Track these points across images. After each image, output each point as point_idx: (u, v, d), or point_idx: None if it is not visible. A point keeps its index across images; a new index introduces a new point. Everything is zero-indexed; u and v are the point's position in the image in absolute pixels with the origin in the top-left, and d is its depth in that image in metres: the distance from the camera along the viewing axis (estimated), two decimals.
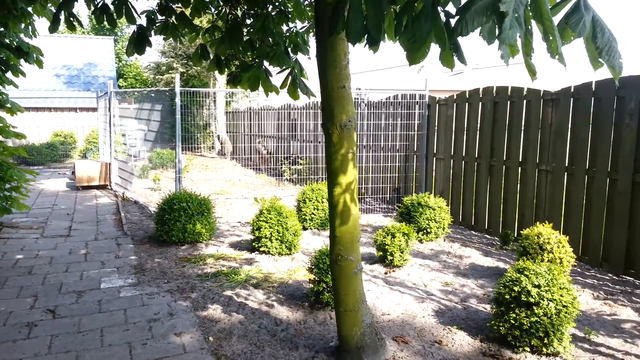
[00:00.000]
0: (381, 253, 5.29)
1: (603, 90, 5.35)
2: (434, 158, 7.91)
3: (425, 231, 6.35)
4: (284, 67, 3.74)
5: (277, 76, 3.90)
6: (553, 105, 5.93)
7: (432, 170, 7.95)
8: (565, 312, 3.32)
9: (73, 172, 11.14)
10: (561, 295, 3.35)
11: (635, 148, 5.02)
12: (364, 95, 9.73)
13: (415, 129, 8.23)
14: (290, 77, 3.70)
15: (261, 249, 5.59)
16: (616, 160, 5.21)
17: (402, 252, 5.22)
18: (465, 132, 7.28)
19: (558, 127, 5.84)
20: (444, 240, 6.47)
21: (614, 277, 5.10)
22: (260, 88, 3.77)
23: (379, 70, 32.98)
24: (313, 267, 4.15)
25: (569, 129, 5.72)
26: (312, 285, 4.14)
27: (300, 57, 4.01)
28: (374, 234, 5.48)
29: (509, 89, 6.53)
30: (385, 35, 3.50)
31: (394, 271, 5.15)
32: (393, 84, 26.04)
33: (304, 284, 4.64)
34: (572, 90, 5.71)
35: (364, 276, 4.91)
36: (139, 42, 3.66)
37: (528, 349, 3.41)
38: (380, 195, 8.87)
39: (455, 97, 7.54)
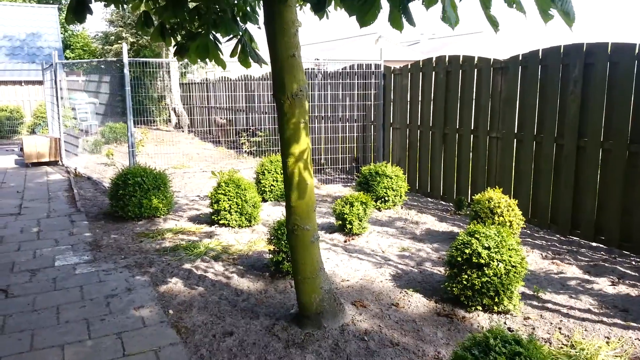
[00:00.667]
0: (340, 222, 5.38)
1: (549, 58, 5.52)
2: (391, 127, 8.01)
3: (383, 199, 6.48)
4: (233, 35, 3.65)
5: (228, 46, 3.80)
6: (503, 73, 6.08)
7: (389, 139, 8.05)
8: (514, 272, 3.49)
9: (21, 149, 10.63)
10: (510, 256, 3.52)
11: (579, 114, 5.24)
12: (322, 65, 9.67)
13: (372, 99, 8.28)
14: (240, 45, 3.63)
15: (221, 222, 5.56)
16: (562, 126, 5.44)
17: (360, 221, 5.32)
18: (420, 102, 7.38)
19: (507, 95, 6.01)
20: (402, 208, 6.63)
21: (561, 238, 5.39)
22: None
23: (338, 41, 32.70)
24: (272, 237, 4.18)
25: (518, 97, 5.90)
26: (272, 255, 4.18)
27: (250, 27, 3.93)
28: (334, 203, 5.55)
29: (461, 58, 6.64)
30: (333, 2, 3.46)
31: (353, 239, 5.26)
32: (352, 54, 25.91)
33: (264, 254, 4.67)
34: (521, 58, 5.87)
35: (324, 245, 5.00)
36: (78, 9, 3.46)
37: (480, 308, 3.58)
38: (340, 166, 8.94)
39: (409, 66, 7.60)
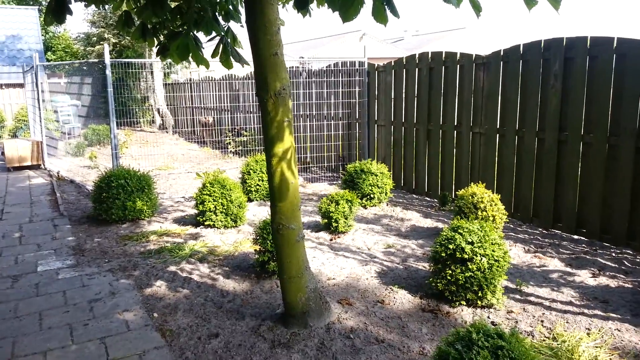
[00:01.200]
0: (326, 220, 5.39)
1: (530, 53, 5.58)
2: (375, 125, 8.04)
3: (368, 197, 6.50)
4: (215, 35, 3.63)
5: (212, 45, 3.77)
6: (485, 69, 6.13)
7: (374, 136, 8.08)
8: (497, 266, 3.53)
9: (2, 153, 10.46)
10: (493, 251, 3.55)
11: (560, 108, 5.31)
12: (306, 64, 9.65)
13: (357, 96, 8.29)
14: (221, 45, 3.61)
15: (206, 223, 5.54)
16: (543, 121, 5.50)
17: (346, 219, 5.33)
18: (404, 98, 7.41)
19: (490, 90, 6.06)
20: (387, 205, 6.66)
21: (544, 231, 5.46)
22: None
23: (322, 39, 32.70)
24: (258, 237, 4.17)
25: (500, 92, 5.95)
26: (258, 255, 4.17)
27: (234, 25, 3.90)
28: (319, 202, 5.56)
29: (444, 54, 6.68)
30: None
31: (339, 237, 5.27)
32: (336, 52, 25.92)
33: (250, 255, 4.66)
34: (502, 53, 5.92)
35: (310, 244, 5.00)
36: (57, 10, 3.41)
37: (464, 303, 3.61)
38: (326, 164, 8.95)
39: (393, 63, 7.63)
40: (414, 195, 7.27)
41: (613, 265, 4.42)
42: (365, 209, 6.46)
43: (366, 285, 4.03)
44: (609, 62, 4.86)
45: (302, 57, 8.90)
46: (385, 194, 6.63)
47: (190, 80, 14.95)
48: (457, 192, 5.72)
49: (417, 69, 7.11)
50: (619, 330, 3.25)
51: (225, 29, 3.71)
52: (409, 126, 7.32)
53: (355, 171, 6.59)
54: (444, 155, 6.77)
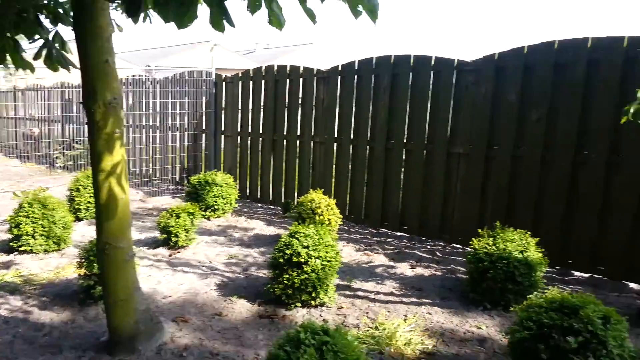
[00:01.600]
0: (165, 235, 5.14)
1: (364, 69, 6.04)
2: (222, 135, 7.96)
3: (212, 208, 6.38)
4: (39, 38, 3.28)
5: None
6: (325, 82, 6.47)
7: (221, 147, 7.99)
8: (330, 267, 3.71)
9: None
10: (326, 252, 3.73)
11: (388, 119, 5.83)
12: (153, 72, 9.21)
13: (204, 107, 8.13)
14: (45, 49, 3.28)
15: (22, 248, 4.87)
16: (374, 131, 5.99)
17: (187, 232, 5.15)
18: (250, 110, 7.47)
19: (329, 103, 6.42)
20: (232, 215, 6.62)
21: (373, 231, 5.93)
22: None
23: (172, 47, 31.59)
24: (83, 260, 3.80)
25: (338, 104, 6.34)
26: (82, 280, 3.80)
27: (64, 29, 3.57)
28: (159, 216, 5.29)
29: (288, 68, 6.90)
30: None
31: (179, 252, 5.07)
32: (187, 62, 25.19)
33: (74, 281, 4.21)
34: (340, 68, 6.31)
35: (146, 262, 4.73)
36: None
37: (299, 304, 3.72)
38: (170, 177, 8.58)
39: (240, 75, 7.65)
40: (259, 204, 7.34)
41: (428, 256, 4.98)
42: (209, 220, 6.33)
43: (205, 299, 3.92)
44: (427, 78, 5.47)
45: (149, 65, 8.46)
46: (230, 205, 6.58)
47: (14, 88, 13.20)
48: (299, 199, 5.91)
49: (263, 81, 7.22)
50: (430, 314, 3.66)
51: (54, 32, 3.37)
52: (255, 136, 7.39)
53: (200, 183, 6.43)
54: (288, 164, 6.97)
